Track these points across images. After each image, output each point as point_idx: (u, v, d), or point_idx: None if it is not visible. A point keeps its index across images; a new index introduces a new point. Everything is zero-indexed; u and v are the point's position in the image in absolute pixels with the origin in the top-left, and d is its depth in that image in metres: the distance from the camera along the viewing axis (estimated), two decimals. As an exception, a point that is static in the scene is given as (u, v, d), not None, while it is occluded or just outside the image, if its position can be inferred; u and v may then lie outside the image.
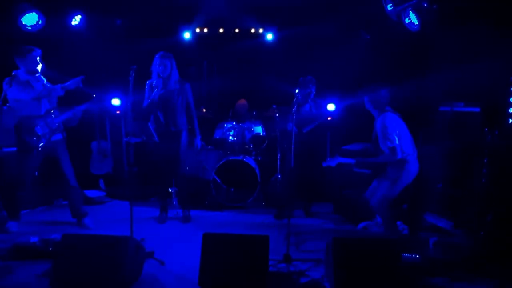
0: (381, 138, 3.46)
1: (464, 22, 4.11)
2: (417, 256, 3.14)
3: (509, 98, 3.89)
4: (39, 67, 3.83)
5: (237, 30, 5.93)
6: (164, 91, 4.14)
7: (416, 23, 4.31)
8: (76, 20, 5.16)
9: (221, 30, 5.94)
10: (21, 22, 4.56)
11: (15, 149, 4.05)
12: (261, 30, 5.90)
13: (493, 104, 3.96)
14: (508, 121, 3.87)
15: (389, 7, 4.27)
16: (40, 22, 4.63)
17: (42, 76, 3.92)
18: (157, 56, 4.13)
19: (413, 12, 4.28)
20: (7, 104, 3.82)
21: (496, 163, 3.63)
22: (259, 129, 5.40)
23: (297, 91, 4.22)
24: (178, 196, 4.95)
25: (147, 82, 4.24)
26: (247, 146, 5.33)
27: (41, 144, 3.79)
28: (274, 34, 5.84)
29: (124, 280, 2.67)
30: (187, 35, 5.81)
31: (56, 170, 3.97)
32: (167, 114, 4.20)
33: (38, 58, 3.81)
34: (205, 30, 5.93)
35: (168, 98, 4.15)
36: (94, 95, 4.01)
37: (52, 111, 3.88)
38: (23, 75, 3.78)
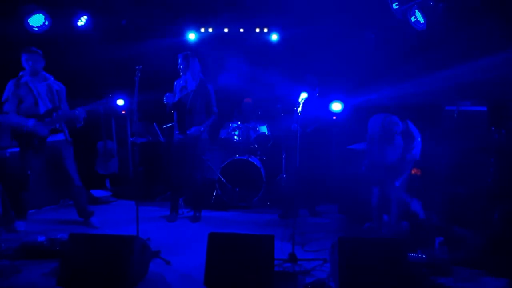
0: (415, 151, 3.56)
1: (470, 20, 4.08)
2: (423, 255, 3.13)
3: (516, 97, 3.86)
4: (40, 68, 3.84)
5: (241, 30, 5.94)
6: (184, 92, 4.15)
7: (422, 21, 4.29)
8: (82, 21, 5.20)
9: (225, 30, 5.95)
10: (28, 23, 4.60)
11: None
12: (265, 30, 5.91)
13: (500, 103, 3.93)
14: (515, 120, 3.84)
15: (394, 5, 4.25)
16: (46, 23, 4.68)
17: (46, 74, 3.92)
18: (179, 55, 4.15)
19: (419, 11, 4.26)
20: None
21: (502, 162, 3.61)
22: (264, 129, 5.41)
23: (302, 90, 4.23)
24: (185, 196, 4.97)
25: (175, 82, 4.26)
26: (252, 146, 5.34)
27: (38, 143, 3.80)
28: (279, 33, 5.84)
29: (130, 279, 2.69)
30: (192, 36, 5.83)
31: (60, 170, 3.99)
32: (184, 115, 4.18)
33: (42, 60, 3.84)
34: (210, 29, 5.95)
35: (185, 99, 4.16)
36: (104, 97, 3.99)
37: (52, 112, 3.87)
38: (25, 77, 3.81)
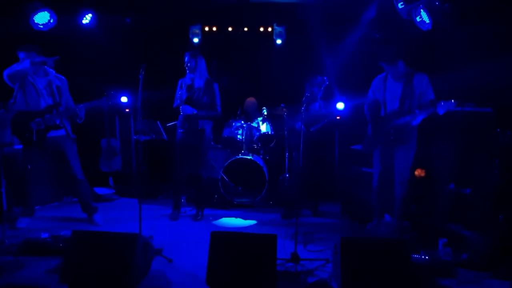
0: (430, 91, 3.51)
1: (476, 20, 4.06)
2: (426, 257, 3.11)
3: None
4: (38, 64, 3.83)
5: (246, 29, 5.94)
6: (190, 90, 4.18)
7: (428, 21, 4.26)
8: (87, 18, 5.22)
9: (230, 29, 5.95)
10: (33, 20, 4.62)
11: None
12: (270, 29, 5.90)
13: (505, 105, 3.90)
14: (521, 121, 3.81)
15: (400, 5, 4.23)
16: (51, 21, 4.69)
17: (48, 69, 3.93)
18: (186, 54, 4.18)
19: (424, 11, 4.23)
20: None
21: (507, 164, 3.58)
22: (267, 128, 5.40)
23: (306, 90, 4.22)
24: (188, 194, 4.97)
25: (179, 80, 4.28)
26: (255, 145, 5.33)
27: (37, 139, 3.81)
28: (283, 32, 5.83)
29: (133, 276, 2.69)
30: (195, 39, 5.87)
31: (63, 165, 3.99)
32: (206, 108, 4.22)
33: (39, 55, 3.84)
34: (214, 28, 5.95)
35: (192, 96, 4.18)
36: (106, 95, 3.98)
37: (52, 108, 3.86)
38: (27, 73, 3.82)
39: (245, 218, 4.55)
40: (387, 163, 3.67)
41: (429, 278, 2.94)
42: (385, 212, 3.88)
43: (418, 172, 3.92)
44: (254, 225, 4.32)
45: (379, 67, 4.48)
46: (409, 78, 3.55)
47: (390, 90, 3.65)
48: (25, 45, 3.81)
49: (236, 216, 4.62)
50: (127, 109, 5.64)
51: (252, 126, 5.32)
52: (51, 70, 3.96)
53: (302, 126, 3.66)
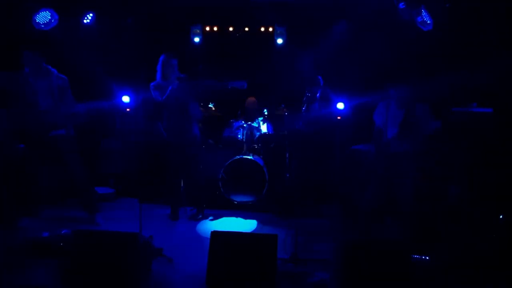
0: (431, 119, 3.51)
1: (477, 21, 4.05)
2: (427, 257, 3.11)
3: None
4: (39, 65, 3.85)
5: (246, 29, 5.93)
6: (174, 88, 4.20)
7: (429, 22, 4.26)
8: (88, 18, 5.22)
9: (230, 29, 5.95)
10: (35, 20, 4.63)
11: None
12: (270, 29, 5.90)
13: (506, 105, 3.90)
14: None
15: (401, 5, 4.23)
16: (53, 21, 4.70)
17: (50, 69, 3.94)
18: (164, 56, 4.16)
19: (425, 11, 4.23)
20: None
21: (509, 164, 3.58)
22: (267, 128, 5.39)
23: (306, 90, 4.23)
24: (187, 194, 4.98)
25: (152, 84, 4.28)
26: (255, 145, 5.33)
27: (36, 138, 3.81)
28: (284, 32, 5.83)
29: (133, 276, 2.70)
30: (196, 39, 5.87)
31: (64, 164, 3.99)
32: (180, 110, 4.26)
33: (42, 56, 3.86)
34: (215, 28, 5.95)
35: (178, 94, 4.21)
36: (107, 94, 3.99)
37: (53, 108, 3.86)
38: (26, 73, 3.83)
39: (245, 218, 4.55)
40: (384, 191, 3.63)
41: (429, 279, 2.93)
42: (385, 215, 3.88)
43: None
44: (254, 225, 4.32)
45: (378, 67, 4.50)
46: (410, 107, 3.53)
47: (392, 117, 3.61)
48: (30, 45, 3.82)
49: (236, 216, 4.62)
50: (128, 109, 5.64)
51: (253, 126, 5.32)
52: (53, 69, 3.96)
53: (303, 127, 3.65)
